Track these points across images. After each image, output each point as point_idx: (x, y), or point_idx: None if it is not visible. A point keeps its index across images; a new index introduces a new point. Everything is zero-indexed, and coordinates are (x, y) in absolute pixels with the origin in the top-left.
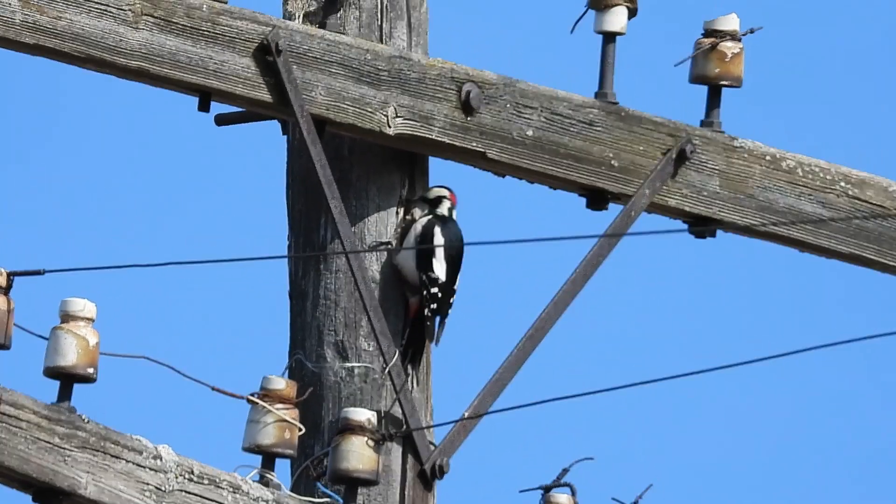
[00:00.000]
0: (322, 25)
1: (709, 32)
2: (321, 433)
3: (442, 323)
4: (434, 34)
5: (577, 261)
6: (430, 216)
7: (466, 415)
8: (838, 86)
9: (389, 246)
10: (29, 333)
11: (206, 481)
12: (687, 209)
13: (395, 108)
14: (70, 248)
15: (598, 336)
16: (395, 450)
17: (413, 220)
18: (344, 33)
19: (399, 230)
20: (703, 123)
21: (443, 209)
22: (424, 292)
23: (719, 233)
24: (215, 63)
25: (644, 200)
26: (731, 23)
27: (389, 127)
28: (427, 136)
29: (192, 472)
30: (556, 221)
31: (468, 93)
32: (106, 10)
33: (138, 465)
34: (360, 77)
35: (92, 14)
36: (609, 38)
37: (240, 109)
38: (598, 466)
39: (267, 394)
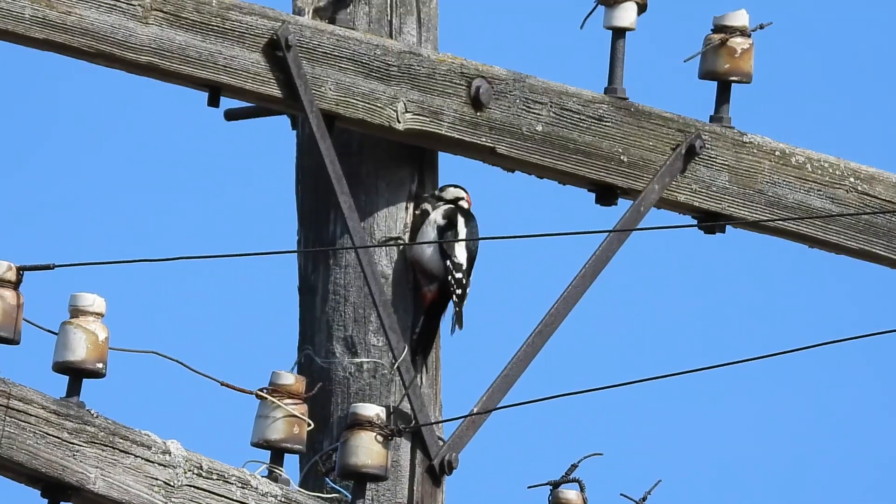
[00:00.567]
0: (332, 21)
1: (718, 28)
2: (330, 428)
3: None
4: (444, 29)
5: (586, 256)
6: (450, 205)
7: (475, 410)
8: (848, 81)
9: (399, 241)
10: (38, 328)
11: (214, 476)
12: (696, 204)
13: (404, 104)
14: (79, 243)
15: (608, 332)
16: (404, 445)
17: (425, 214)
18: (354, 28)
19: (409, 226)
20: (712, 119)
21: (461, 209)
22: (449, 277)
23: (728, 228)
24: (225, 58)
25: (653, 196)
26: (740, 18)
27: (399, 122)
28: (436, 131)
29: (201, 468)
30: (566, 217)
31: (478, 88)
32: (115, 6)
33: (147, 460)
34: (369, 72)
35: (102, 9)
36: (619, 33)
37: (249, 105)
38: (607, 462)
39: (276, 389)
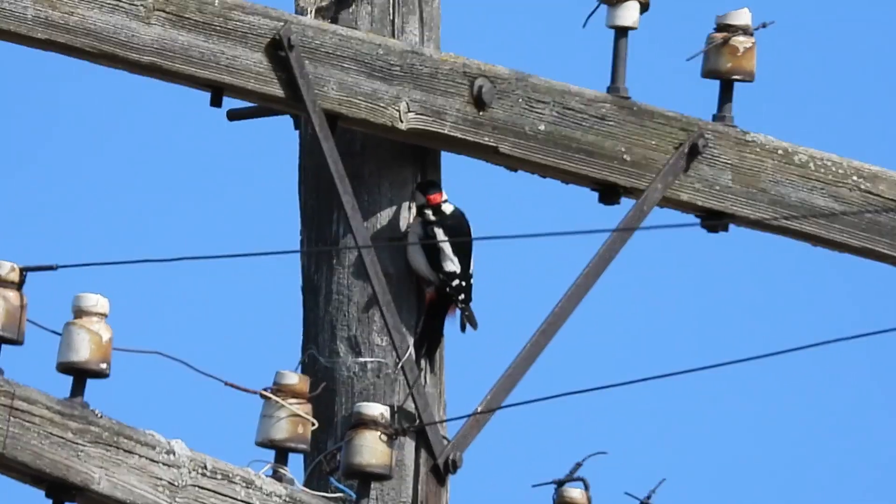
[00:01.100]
0: (334, 20)
1: (721, 27)
2: (334, 428)
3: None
4: (446, 29)
5: (589, 255)
6: (420, 220)
7: (479, 409)
8: (851, 80)
9: (402, 240)
10: (42, 329)
11: (219, 476)
12: (699, 203)
13: (407, 103)
14: (83, 243)
15: (611, 330)
16: (409, 444)
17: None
18: (356, 28)
19: (410, 228)
20: (715, 118)
21: (428, 217)
22: (447, 289)
23: (731, 227)
24: (227, 58)
25: (656, 195)
26: (743, 17)
27: (401, 122)
28: (439, 130)
29: (206, 467)
30: (569, 216)
31: (480, 87)
32: (118, 6)
33: (151, 460)
34: (372, 72)
35: (104, 9)
36: (621, 32)
37: (252, 105)
38: (612, 461)
39: (280, 389)
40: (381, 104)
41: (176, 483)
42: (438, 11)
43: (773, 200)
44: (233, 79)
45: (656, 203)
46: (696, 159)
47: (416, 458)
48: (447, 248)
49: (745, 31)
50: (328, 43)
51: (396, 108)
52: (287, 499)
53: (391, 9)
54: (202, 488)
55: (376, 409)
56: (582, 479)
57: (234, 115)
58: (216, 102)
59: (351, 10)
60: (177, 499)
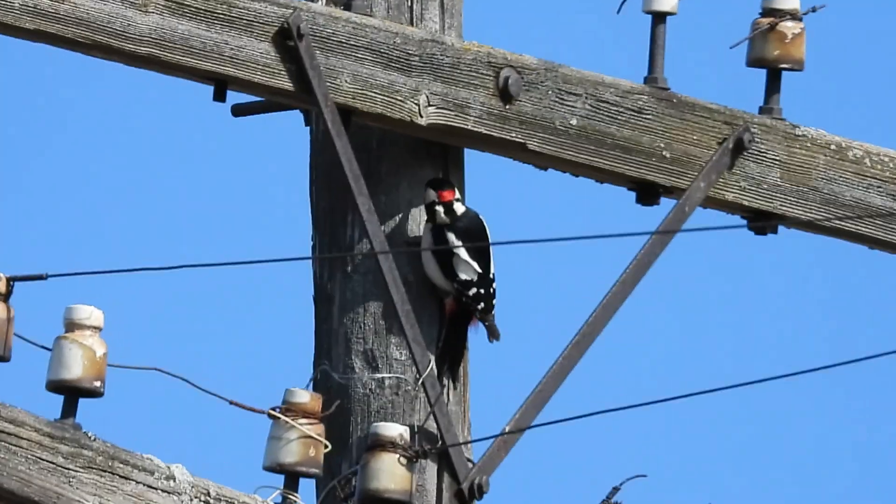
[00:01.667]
0: (347, 7)
1: (767, 11)
2: (349, 450)
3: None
4: (469, 15)
5: (626, 261)
6: (429, 224)
7: (507, 429)
8: None
9: (421, 245)
10: (30, 344)
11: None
12: (745, 203)
13: (427, 96)
14: (74, 250)
15: (650, 342)
16: (430, 468)
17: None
18: (371, 15)
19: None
20: (761, 110)
21: (439, 215)
22: (463, 298)
23: (781, 228)
24: (231, 49)
25: (699, 194)
26: (791, 1)
27: (421, 116)
28: (462, 125)
29: (209, 494)
30: (604, 218)
31: (506, 79)
32: None
33: (149, 486)
34: (388, 63)
35: None
36: (659, 18)
37: (258, 99)
38: (652, 485)
39: (290, 408)
40: (399, 97)
41: None
42: None
43: (826, 199)
44: (237, 71)
45: (699, 203)
46: (742, 156)
47: (438, 483)
48: (462, 253)
49: (794, 15)
50: (341, 31)
51: (415, 101)
52: None
53: None
54: None
55: (395, 430)
56: None
57: (238, 111)
58: (220, 97)
59: None
60: None
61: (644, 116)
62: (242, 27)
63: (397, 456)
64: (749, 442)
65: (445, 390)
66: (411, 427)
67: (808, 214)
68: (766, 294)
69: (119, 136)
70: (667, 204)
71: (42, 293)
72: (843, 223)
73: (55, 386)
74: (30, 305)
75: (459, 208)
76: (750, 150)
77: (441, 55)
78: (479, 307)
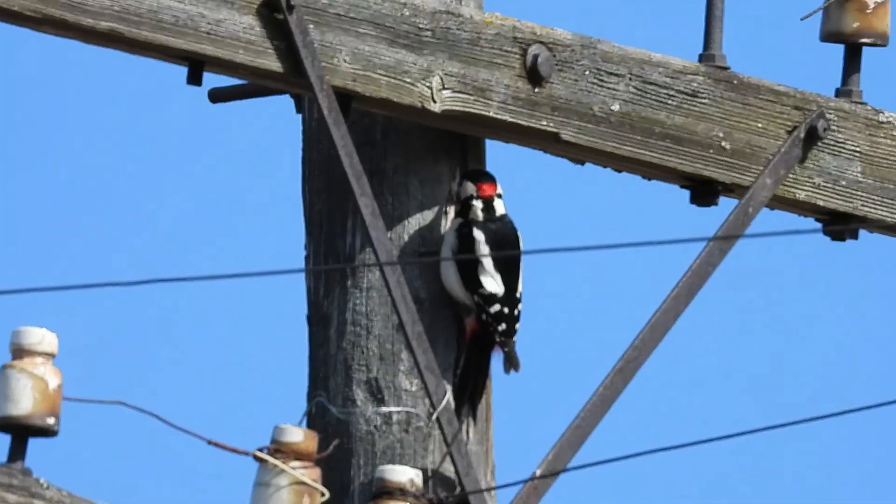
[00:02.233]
0: None
1: None
2: (350, 498)
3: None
4: None
5: (679, 272)
6: (460, 220)
7: (539, 473)
8: None
9: (437, 255)
10: None
11: None
12: (820, 203)
13: (441, 78)
14: (24, 264)
15: (705, 367)
16: None
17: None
18: None
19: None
20: (838, 93)
21: (476, 212)
22: (483, 316)
23: (862, 233)
24: (209, 23)
25: (765, 193)
26: None
27: (434, 102)
28: (483, 112)
29: None
30: (652, 221)
31: (535, 57)
32: None
33: None
34: (395, 38)
35: None
36: None
37: (241, 82)
38: None
39: (279, 448)
40: (408, 79)
41: None
42: None
43: None
44: (216, 49)
45: (764, 203)
46: (816, 146)
47: None
48: (487, 261)
49: None
50: (339, 2)
51: (428, 84)
52: None
53: None
54: None
55: (405, 474)
56: None
57: (217, 96)
58: (195, 79)
59: None
60: None
61: (699, 100)
62: None
63: None
64: (813, 480)
65: (464, 427)
66: (424, 471)
67: (895, 216)
68: (845, 309)
69: (79, 127)
70: (727, 204)
71: None
72: None
73: (1, 423)
74: None
75: (500, 208)
76: (825, 140)
77: (458, 29)
78: (500, 328)
